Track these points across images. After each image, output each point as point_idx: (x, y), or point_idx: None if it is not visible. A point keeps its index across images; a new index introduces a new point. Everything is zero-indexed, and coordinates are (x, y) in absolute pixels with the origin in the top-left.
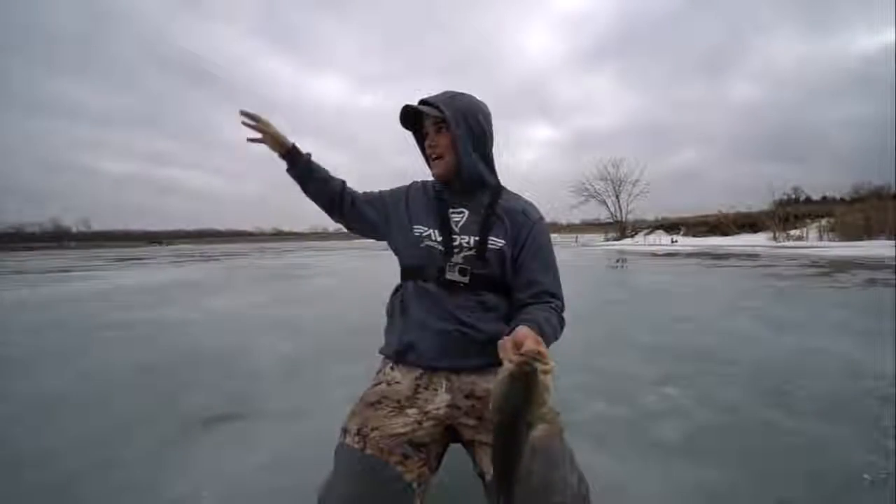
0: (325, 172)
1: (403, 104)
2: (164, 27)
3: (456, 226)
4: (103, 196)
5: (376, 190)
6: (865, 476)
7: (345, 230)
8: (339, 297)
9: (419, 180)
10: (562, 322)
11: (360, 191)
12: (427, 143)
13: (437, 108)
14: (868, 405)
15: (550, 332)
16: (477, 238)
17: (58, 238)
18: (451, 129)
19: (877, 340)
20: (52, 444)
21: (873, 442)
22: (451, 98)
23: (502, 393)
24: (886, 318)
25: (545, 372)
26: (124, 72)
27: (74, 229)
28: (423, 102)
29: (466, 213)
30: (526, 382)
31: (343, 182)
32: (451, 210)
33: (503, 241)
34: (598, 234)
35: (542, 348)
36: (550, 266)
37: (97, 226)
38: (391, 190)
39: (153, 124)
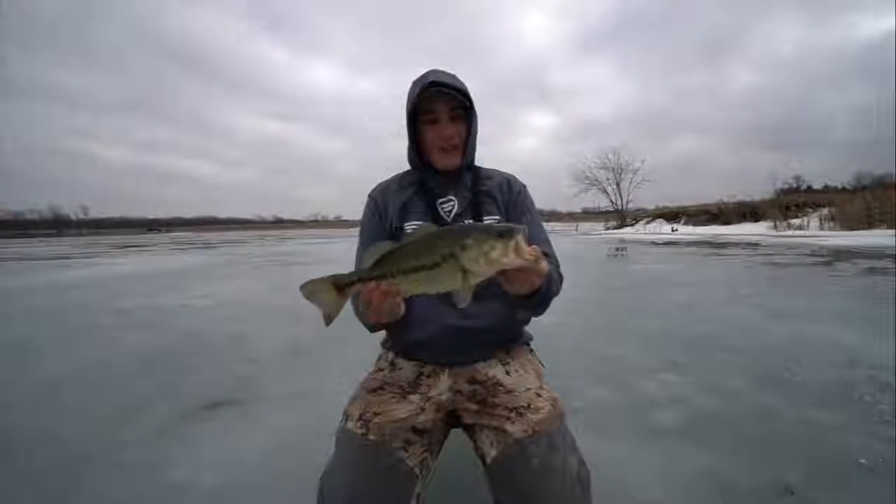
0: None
1: (428, 81)
2: (154, 11)
3: (448, 216)
4: (102, 183)
5: (369, 210)
6: (862, 460)
7: (344, 219)
8: None
9: (377, 187)
10: (560, 276)
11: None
12: (443, 132)
13: (464, 94)
14: (866, 392)
15: (552, 271)
16: (471, 221)
17: (57, 225)
18: (475, 120)
19: (875, 329)
20: (56, 428)
21: (871, 428)
22: (460, 81)
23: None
24: (885, 307)
25: (520, 249)
26: (120, 58)
27: (73, 217)
28: (436, 84)
29: (454, 200)
30: (499, 232)
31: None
32: (439, 201)
33: (498, 217)
34: (598, 222)
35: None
36: (539, 228)
37: (95, 213)
38: (368, 221)
39: (151, 111)
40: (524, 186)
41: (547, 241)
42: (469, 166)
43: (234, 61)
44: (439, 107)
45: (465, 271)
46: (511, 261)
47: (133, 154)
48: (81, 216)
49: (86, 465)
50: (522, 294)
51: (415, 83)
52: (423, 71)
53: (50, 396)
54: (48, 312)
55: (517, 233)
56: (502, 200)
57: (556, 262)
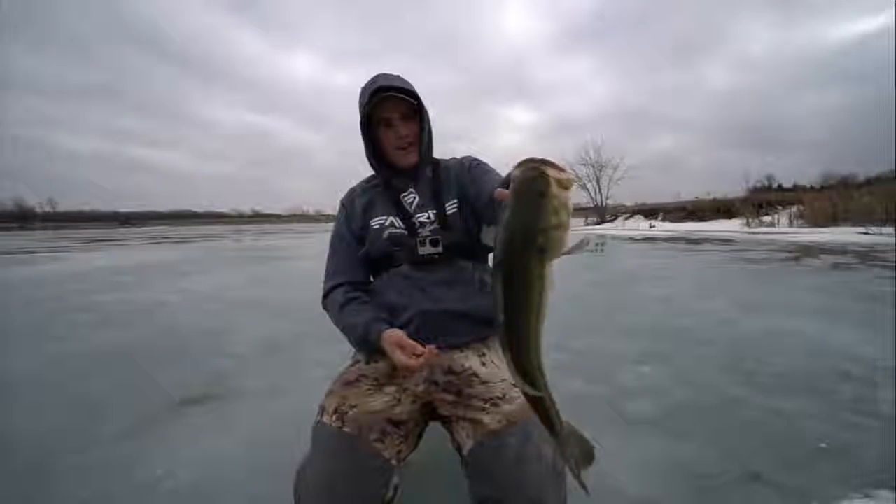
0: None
1: (374, 87)
2: None
3: (410, 207)
4: (69, 174)
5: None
6: (823, 445)
7: (325, 213)
8: (317, 280)
9: (346, 193)
10: None
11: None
12: (396, 133)
13: (411, 94)
14: (829, 381)
15: None
16: (435, 210)
17: (21, 219)
18: (426, 119)
19: (838, 321)
20: (26, 425)
21: (832, 415)
22: (407, 82)
23: (510, 206)
24: (848, 300)
25: (560, 183)
26: (82, 41)
27: (39, 209)
28: (385, 88)
29: (415, 193)
30: (535, 188)
31: (369, 318)
32: (402, 195)
33: (456, 199)
34: (579, 218)
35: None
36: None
37: (64, 206)
38: (338, 227)
39: (121, 99)
40: (474, 159)
41: None
42: (428, 161)
43: (209, 50)
44: (390, 111)
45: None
46: (556, 174)
47: (103, 144)
48: (48, 209)
49: (56, 465)
50: None
51: (364, 90)
52: (386, 70)
53: (18, 393)
54: (17, 307)
55: (547, 172)
56: (457, 180)
57: None
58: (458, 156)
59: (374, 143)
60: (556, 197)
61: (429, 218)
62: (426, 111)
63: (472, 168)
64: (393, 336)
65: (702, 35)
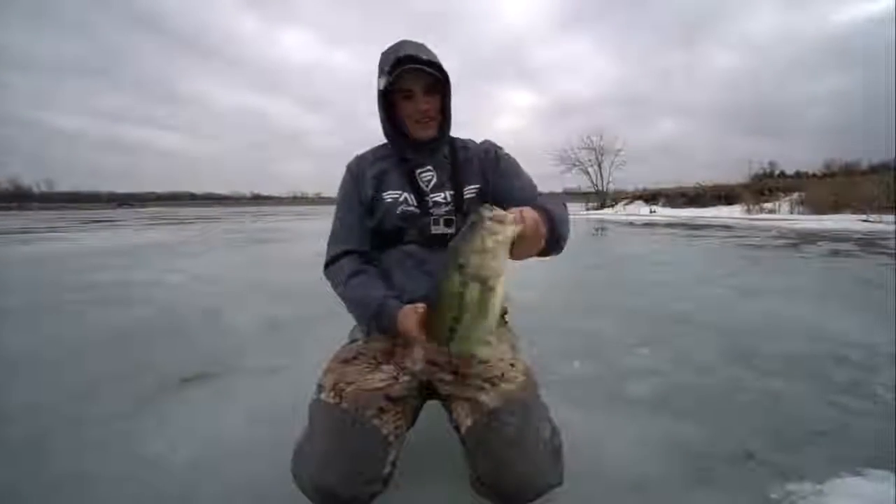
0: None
1: (400, 55)
2: None
3: (427, 185)
4: (64, 155)
5: (343, 186)
6: (819, 426)
7: (325, 195)
8: (317, 261)
9: (353, 158)
10: (564, 216)
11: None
12: (419, 107)
13: (437, 66)
14: (825, 365)
15: (556, 211)
16: (452, 192)
17: (18, 199)
18: (450, 92)
19: (835, 306)
20: (24, 402)
21: (827, 397)
22: (432, 53)
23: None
24: (846, 286)
25: (497, 219)
26: (75, 17)
27: (36, 189)
28: (410, 58)
29: (433, 171)
30: (470, 226)
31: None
32: (417, 171)
33: (478, 185)
34: (580, 203)
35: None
36: (533, 186)
37: (60, 187)
38: (344, 193)
39: (115, 78)
40: (504, 150)
41: (542, 196)
42: (445, 137)
43: (205, 28)
44: (414, 82)
45: (484, 279)
46: (505, 235)
47: (98, 124)
48: (45, 189)
49: (54, 442)
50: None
51: (385, 56)
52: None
53: (17, 372)
54: (15, 286)
55: (482, 213)
56: (482, 169)
57: (559, 203)
58: (465, 136)
59: (390, 113)
60: (485, 228)
61: (444, 199)
62: (449, 83)
63: (500, 160)
64: (410, 311)
65: (705, 17)
